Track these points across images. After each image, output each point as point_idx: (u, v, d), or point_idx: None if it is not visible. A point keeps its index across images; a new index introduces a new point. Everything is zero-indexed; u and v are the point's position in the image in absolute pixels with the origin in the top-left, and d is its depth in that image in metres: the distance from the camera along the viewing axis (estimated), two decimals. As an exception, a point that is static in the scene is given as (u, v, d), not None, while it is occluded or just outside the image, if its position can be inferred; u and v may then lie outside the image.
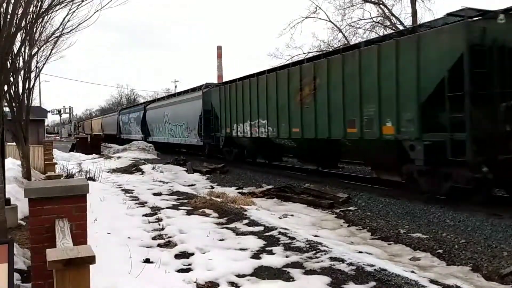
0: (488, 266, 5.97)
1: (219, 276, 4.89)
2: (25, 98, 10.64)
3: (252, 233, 6.92)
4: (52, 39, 10.34)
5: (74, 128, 75.16)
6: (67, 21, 8.48)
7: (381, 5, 25.07)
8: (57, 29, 9.24)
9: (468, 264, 6.16)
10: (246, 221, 7.75)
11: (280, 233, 6.78)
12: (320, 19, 26.24)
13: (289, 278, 4.87)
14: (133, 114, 36.15)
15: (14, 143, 11.93)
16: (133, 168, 18.33)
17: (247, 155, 18.76)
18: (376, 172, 11.24)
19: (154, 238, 6.69)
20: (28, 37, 8.19)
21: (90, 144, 32.05)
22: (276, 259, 5.51)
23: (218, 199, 10.04)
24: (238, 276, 4.94)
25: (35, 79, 11.59)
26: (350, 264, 5.19)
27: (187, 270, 5.21)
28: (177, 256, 5.72)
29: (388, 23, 24.80)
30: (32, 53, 9.74)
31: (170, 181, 13.81)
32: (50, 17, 9.51)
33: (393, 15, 24.67)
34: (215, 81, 34.21)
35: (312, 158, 13.95)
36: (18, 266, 4.67)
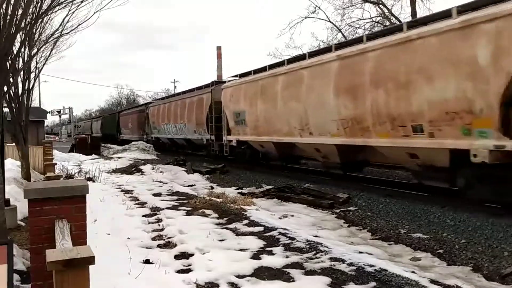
0: (489, 266, 5.96)
1: (219, 276, 4.89)
2: (25, 99, 10.63)
3: (252, 233, 6.91)
4: (51, 40, 10.34)
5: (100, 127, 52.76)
6: (67, 22, 8.48)
7: (380, 5, 25.11)
8: (57, 29, 9.25)
9: (468, 264, 6.15)
10: (246, 221, 7.73)
11: (280, 233, 6.77)
12: (320, 19, 26.30)
13: (289, 279, 4.86)
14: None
15: (13, 144, 11.92)
16: (133, 168, 18.32)
17: None
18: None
19: (153, 239, 6.68)
20: (27, 38, 8.19)
21: (89, 144, 32.19)
22: (276, 259, 5.51)
23: (218, 200, 10.03)
24: (238, 276, 4.93)
25: (34, 80, 11.60)
26: (351, 264, 5.18)
27: (187, 270, 5.21)
28: (177, 257, 5.71)
29: (388, 23, 24.79)
30: (32, 53, 9.75)
31: (169, 182, 13.80)
32: (49, 18, 9.51)
33: (392, 15, 24.71)
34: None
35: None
36: (18, 267, 4.66)
